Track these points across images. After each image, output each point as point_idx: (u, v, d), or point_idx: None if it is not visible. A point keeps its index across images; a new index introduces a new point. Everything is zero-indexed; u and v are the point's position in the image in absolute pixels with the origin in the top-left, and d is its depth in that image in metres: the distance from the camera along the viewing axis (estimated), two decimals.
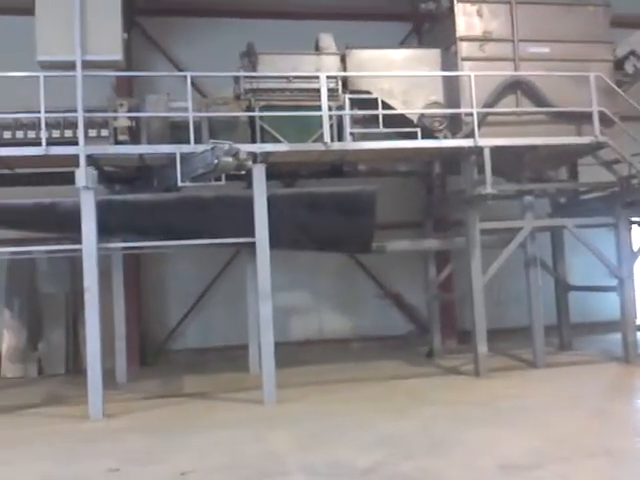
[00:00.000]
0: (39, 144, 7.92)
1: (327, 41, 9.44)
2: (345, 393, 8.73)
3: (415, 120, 9.35)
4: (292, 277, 12.23)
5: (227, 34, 12.08)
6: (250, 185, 9.06)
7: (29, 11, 10.67)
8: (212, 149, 7.60)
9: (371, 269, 12.95)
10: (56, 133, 8.18)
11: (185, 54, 12.32)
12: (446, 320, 12.20)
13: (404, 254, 11.33)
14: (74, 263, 11.62)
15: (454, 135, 9.36)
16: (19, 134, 8.25)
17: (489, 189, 8.81)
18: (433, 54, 9.80)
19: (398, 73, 9.49)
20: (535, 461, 5.48)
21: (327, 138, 8.49)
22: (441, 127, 9.40)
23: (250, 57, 9.08)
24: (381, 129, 8.87)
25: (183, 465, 5.79)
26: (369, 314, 12.94)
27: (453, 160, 9.72)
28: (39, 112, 7.90)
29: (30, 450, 6.57)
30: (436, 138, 9.30)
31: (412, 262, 12.18)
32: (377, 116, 8.92)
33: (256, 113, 8.76)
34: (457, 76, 9.34)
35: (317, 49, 9.49)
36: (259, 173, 8.10)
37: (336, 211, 9.24)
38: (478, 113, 8.97)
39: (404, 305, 13.14)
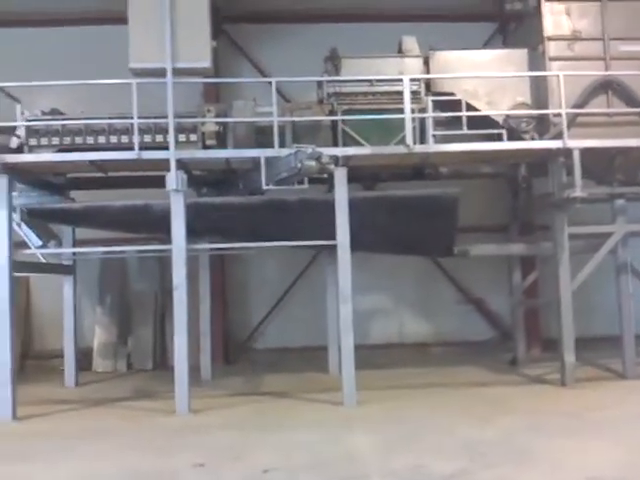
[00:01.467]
0: (132, 149, 8.29)
1: (410, 43, 9.41)
2: (425, 398, 8.64)
3: (501, 121, 9.18)
4: (372, 280, 12.23)
5: (310, 39, 12.21)
6: (331, 188, 9.17)
7: (122, 21, 11.33)
8: (295, 153, 7.73)
9: (452, 273, 12.78)
10: (147, 138, 8.48)
11: (269, 59, 12.58)
12: (530, 327, 11.86)
13: (487, 258, 11.12)
14: (162, 263, 12.12)
15: (541, 137, 9.12)
16: (113, 139, 8.61)
17: (579, 192, 8.52)
18: (519, 54, 9.58)
19: (483, 74, 9.34)
20: (625, 475, 5.26)
21: (410, 141, 8.46)
22: (528, 128, 9.18)
23: (333, 61, 9.17)
24: (465, 131, 8.75)
25: (266, 462, 5.89)
26: (450, 319, 12.76)
27: (540, 162, 9.46)
28: (132, 118, 8.28)
29: (120, 442, 6.85)
30: (523, 139, 9.09)
31: (495, 267, 11.92)
32: (460, 118, 8.80)
33: (338, 117, 8.81)
34: (545, 76, 9.09)
35: (400, 52, 9.47)
36: (341, 176, 8.17)
37: (417, 214, 9.17)
38: (567, 114, 8.70)
39: (486, 311, 12.88)
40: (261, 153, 8.27)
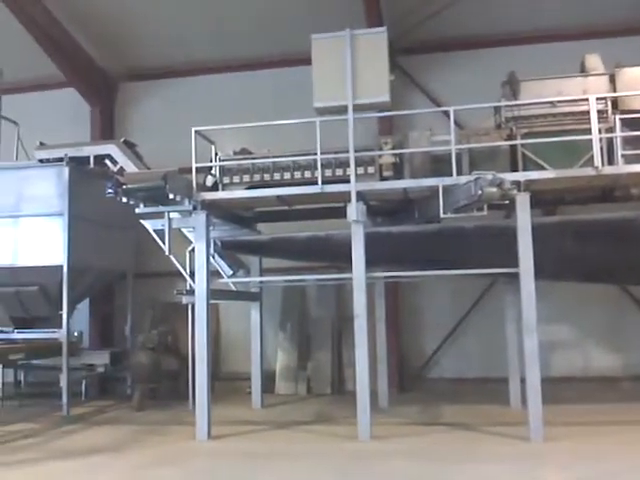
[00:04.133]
0: (314, 183, 8.71)
1: (594, 61, 8.97)
2: (618, 436, 8.05)
3: None
4: (554, 308, 11.63)
5: (482, 64, 12.17)
6: (510, 214, 8.95)
7: (300, 62, 12.00)
8: (476, 180, 7.66)
9: None
10: (328, 172, 8.87)
11: (441, 88, 12.64)
12: None
13: None
14: (339, 290, 12.52)
15: None
16: (297, 175, 9.09)
17: None
18: None
19: None
20: None
21: (598, 162, 8.05)
22: None
23: (511, 85, 8.99)
24: None
25: None
26: None
27: None
28: (314, 154, 8.72)
29: (305, 465, 7.12)
30: None
31: None
32: None
33: (520, 141, 8.61)
34: None
35: (583, 70, 9.08)
36: (523, 202, 7.94)
37: (608, 239, 8.65)
38: None
39: None
40: (439, 182, 8.30)
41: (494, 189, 7.47)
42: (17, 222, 11.07)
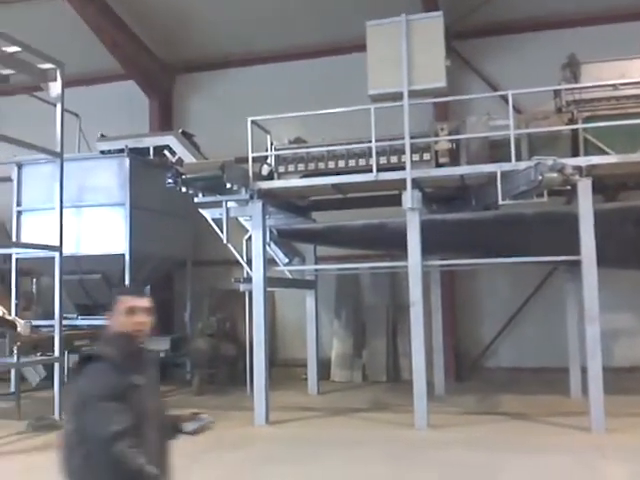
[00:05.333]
0: (369, 171, 8.68)
1: None
2: None
3: None
4: (616, 296, 11.26)
5: (542, 47, 11.83)
6: (571, 200, 8.74)
7: (353, 50, 11.95)
8: (536, 165, 7.50)
9: None
10: (383, 160, 8.81)
11: (498, 72, 12.38)
12: None
13: None
14: (393, 278, 12.48)
15: None
16: (351, 163, 9.08)
17: None
18: None
19: None
20: None
21: None
22: None
23: (572, 68, 8.74)
24: None
25: None
26: None
27: None
28: (369, 142, 8.69)
29: (366, 452, 7.16)
30: None
31: None
32: None
33: (581, 125, 8.37)
34: None
35: None
36: (585, 188, 7.74)
37: None
38: None
39: None
40: (498, 168, 8.16)
41: (555, 175, 7.29)
42: (80, 212, 11.45)
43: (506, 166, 8.11)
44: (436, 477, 6.12)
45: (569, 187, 7.79)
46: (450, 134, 8.77)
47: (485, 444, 7.36)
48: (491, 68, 12.55)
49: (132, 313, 2.99)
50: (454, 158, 8.73)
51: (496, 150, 8.64)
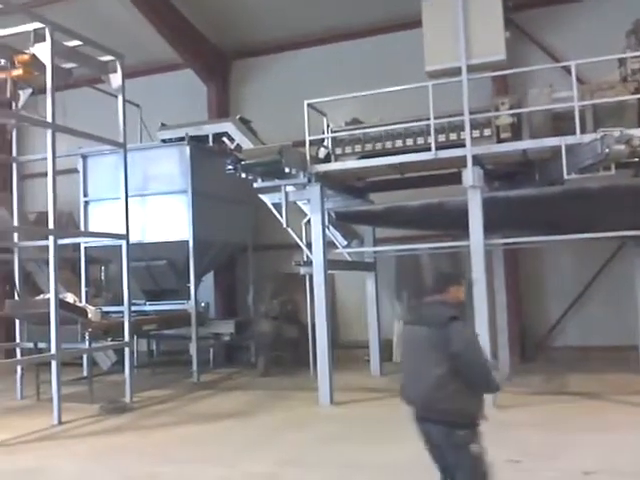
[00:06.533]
0: (427, 149, 8.55)
1: None
2: None
3: None
4: None
5: (605, 14, 11.38)
6: (639, 173, 8.42)
7: (407, 26, 11.77)
8: (602, 138, 7.23)
9: None
10: (442, 137, 8.66)
11: (559, 43, 11.97)
12: None
13: None
14: (454, 258, 12.28)
15: None
16: (409, 142, 8.95)
17: None
18: None
19: None
20: None
21: None
22: None
23: (637, 34, 8.36)
24: None
25: (585, 464, 5.65)
26: None
27: None
28: (426, 120, 8.55)
29: None
30: None
31: None
32: None
33: None
34: None
35: None
36: None
37: None
38: None
39: None
40: (561, 141, 7.90)
41: (622, 146, 7.02)
42: (144, 200, 11.74)
43: (570, 139, 7.85)
44: (499, 456, 6.03)
45: (637, 159, 7.47)
46: (511, 108, 8.53)
47: (553, 424, 7.24)
48: (552, 39, 12.15)
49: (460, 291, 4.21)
50: (516, 133, 8.49)
51: (560, 123, 8.36)
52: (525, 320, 12.24)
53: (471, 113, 8.29)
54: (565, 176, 7.91)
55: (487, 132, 8.48)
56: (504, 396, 8.26)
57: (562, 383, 9.73)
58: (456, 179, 8.51)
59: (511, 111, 8.38)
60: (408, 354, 4.29)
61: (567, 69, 8.43)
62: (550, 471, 5.68)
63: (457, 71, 8.19)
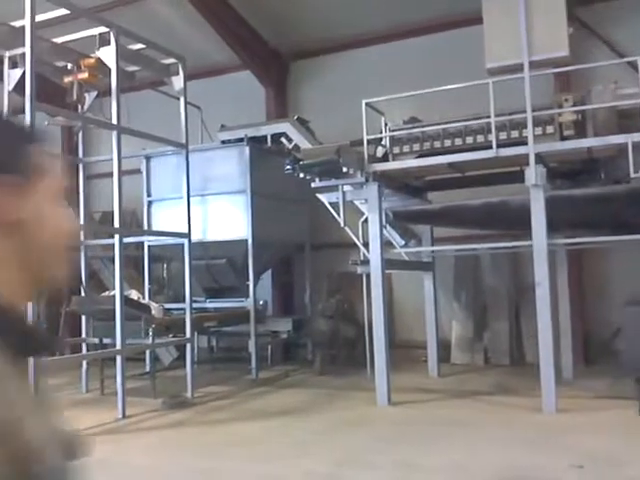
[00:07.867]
0: (487, 148, 8.42)
1: None
2: None
3: None
4: None
5: None
6: None
7: (466, 23, 11.59)
8: None
9: None
10: (503, 135, 8.52)
11: (624, 38, 11.55)
12: None
13: None
14: (514, 259, 12.08)
15: None
16: (469, 140, 8.84)
17: None
18: None
19: None
20: None
21: None
22: None
23: None
24: None
25: None
26: None
27: None
28: (486, 117, 8.42)
29: (490, 436, 7.02)
30: None
31: None
32: None
33: None
34: None
35: None
36: None
37: None
38: None
39: None
40: (628, 138, 7.66)
41: None
42: (205, 200, 11.97)
43: (637, 136, 7.60)
44: (561, 461, 5.91)
45: None
46: (575, 105, 8.32)
47: (617, 430, 7.02)
48: (616, 34, 11.73)
49: None
50: (580, 130, 8.28)
51: (625, 120, 8.12)
52: (589, 323, 11.89)
53: (533, 110, 8.11)
54: (632, 174, 7.66)
55: (550, 129, 8.29)
56: (565, 400, 8.11)
57: (627, 388, 9.40)
58: (517, 177, 8.36)
59: (575, 108, 8.17)
60: None
61: (633, 65, 8.15)
62: (616, 478, 5.52)
63: (519, 67, 8.03)
